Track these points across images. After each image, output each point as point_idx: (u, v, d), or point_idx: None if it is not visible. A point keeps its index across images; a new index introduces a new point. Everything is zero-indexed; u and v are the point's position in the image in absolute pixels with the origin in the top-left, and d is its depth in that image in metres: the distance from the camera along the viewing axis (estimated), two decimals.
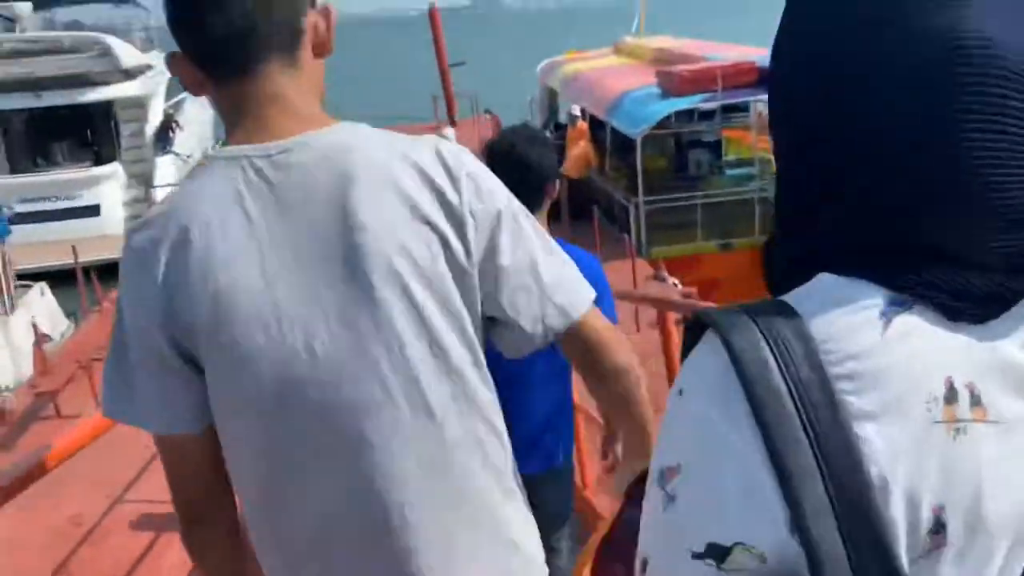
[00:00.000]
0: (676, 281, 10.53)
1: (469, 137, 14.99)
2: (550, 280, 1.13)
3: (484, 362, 1.13)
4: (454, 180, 1.08)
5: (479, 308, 1.11)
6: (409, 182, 1.06)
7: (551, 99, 19.42)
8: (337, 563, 1.10)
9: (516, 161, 2.08)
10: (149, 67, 19.97)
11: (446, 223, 1.07)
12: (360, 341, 1.05)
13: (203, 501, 1.16)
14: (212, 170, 1.09)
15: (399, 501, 1.07)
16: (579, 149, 12.88)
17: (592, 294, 1.18)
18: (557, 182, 2.25)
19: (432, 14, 24.19)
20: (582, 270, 1.21)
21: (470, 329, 1.10)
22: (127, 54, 18.78)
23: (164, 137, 18.60)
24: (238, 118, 1.10)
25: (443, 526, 1.09)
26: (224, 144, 1.12)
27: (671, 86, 11.55)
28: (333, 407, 1.06)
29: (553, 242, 1.20)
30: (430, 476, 1.08)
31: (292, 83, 1.10)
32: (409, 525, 1.07)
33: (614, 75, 15.50)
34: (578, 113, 13.81)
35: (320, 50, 1.15)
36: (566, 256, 1.19)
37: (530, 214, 1.18)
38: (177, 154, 18.44)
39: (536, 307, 1.12)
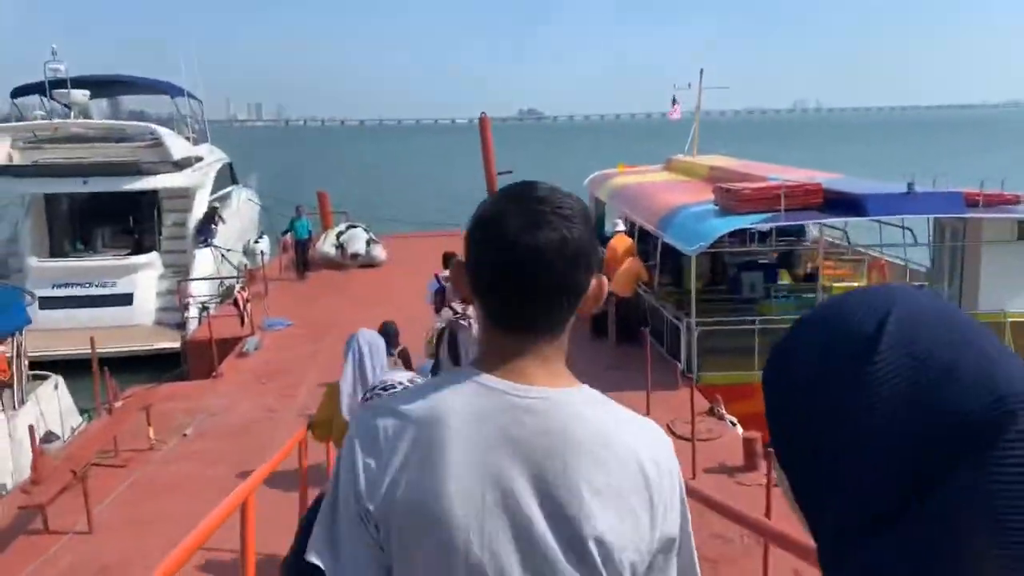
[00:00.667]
0: (734, 419, 9.69)
1: None
2: None
3: None
4: (659, 480, 1.16)
5: None
6: (623, 466, 1.14)
7: (598, 210, 19.07)
8: None
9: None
10: (199, 159, 20.10)
11: (643, 514, 1.14)
12: None
13: None
14: (466, 388, 1.16)
15: None
16: (627, 264, 12.26)
17: None
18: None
19: (482, 121, 24.33)
20: None
21: None
22: (177, 145, 18.88)
23: (206, 229, 18.39)
24: (500, 353, 1.19)
25: None
26: (478, 362, 1.21)
27: (731, 203, 10.96)
28: None
29: (696, 560, 1.24)
30: None
31: (553, 345, 1.20)
32: None
33: (668, 189, 15.05)
34: (622, 228, 13.29)
35: (582, 311, 1.23)
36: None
37: (691, 533, 1.23)
38: (217, 247, 18.21)
39: None
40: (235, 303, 13.62)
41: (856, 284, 13.36)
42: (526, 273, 1.14)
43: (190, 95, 23.15)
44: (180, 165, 18.48)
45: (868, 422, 0.67)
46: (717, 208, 11.43)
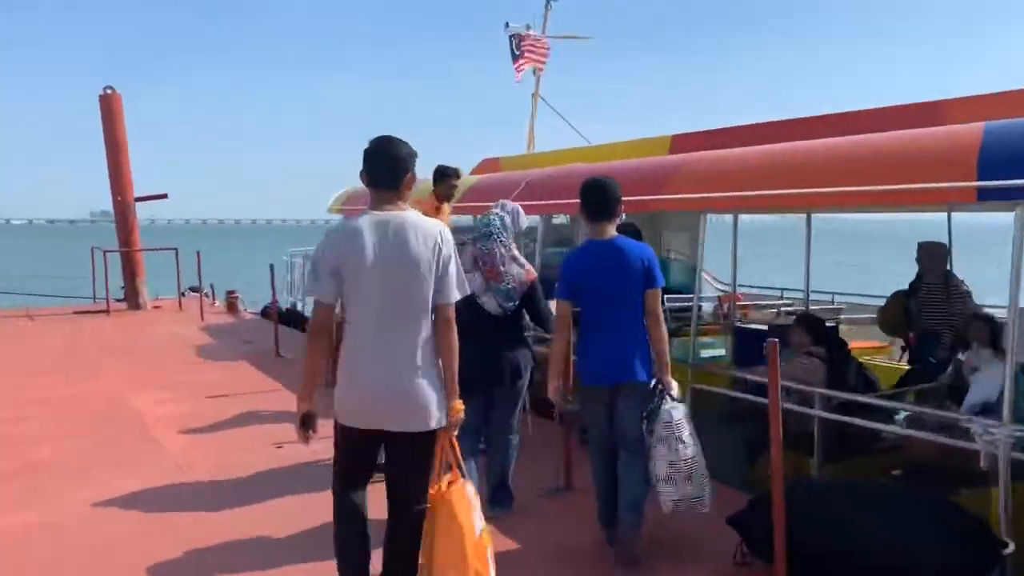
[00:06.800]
0: None
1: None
2: (456, 282, 3.52)
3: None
4: (443, 239, 3.47)
5: (433, 282, 3.47)
6: (429, 236, 3.44)
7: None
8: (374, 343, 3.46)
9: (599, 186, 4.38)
10: None
11: (438, 252, 3.44)
12: (407, 282, 3.41)
13: (322, 329, 3.49)
14: (366, 217, 3.43)
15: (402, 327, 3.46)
16: None
17: (462, 294, 3.58)
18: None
19: (106, 99, 13.33)
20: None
21: (433, 290, 3.47)
22: None
23: None
24: (377, 202, 3.47)
25: (408, 350, 3.45)
26: (369, 206, 3.50)
27: None
28: (390, 303, 3.41)
29: (460, 267, 3.53)
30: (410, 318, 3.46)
31: (398, 193, 3.48)
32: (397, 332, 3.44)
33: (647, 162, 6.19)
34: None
35: (408, 187, 3.53)
36: (463, 275, 3.57)
37: (457, 256, 3.54)
38: None
39: (449, 288, 3.50)
40: None
41: None
42: (383, 163, 3.46)
43: None
44: None
45: None
46: None
